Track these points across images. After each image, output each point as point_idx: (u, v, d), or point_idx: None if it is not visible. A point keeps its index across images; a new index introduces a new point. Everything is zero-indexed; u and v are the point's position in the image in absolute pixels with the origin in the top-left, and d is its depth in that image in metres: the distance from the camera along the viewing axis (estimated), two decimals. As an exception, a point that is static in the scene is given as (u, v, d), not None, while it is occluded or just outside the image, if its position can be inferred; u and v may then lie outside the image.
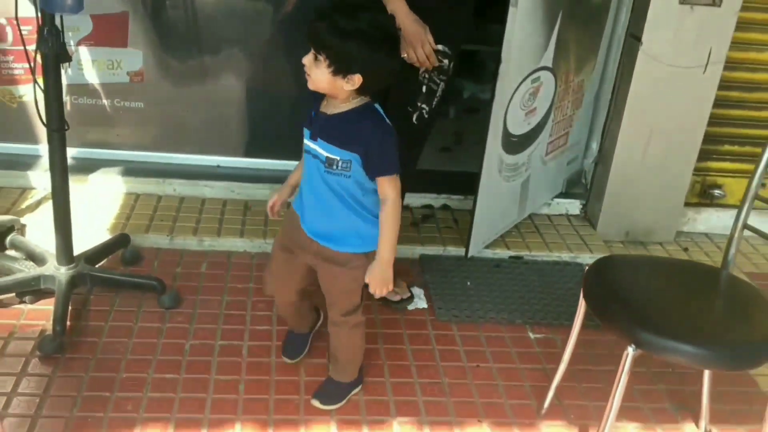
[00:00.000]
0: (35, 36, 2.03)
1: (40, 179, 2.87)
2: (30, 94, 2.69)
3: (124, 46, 2.88)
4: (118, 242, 2.57)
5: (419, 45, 2.03)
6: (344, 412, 2.03)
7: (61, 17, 2.02)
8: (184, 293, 2.45)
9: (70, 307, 2.22)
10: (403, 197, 1.81)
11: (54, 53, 2.02)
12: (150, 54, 2.92)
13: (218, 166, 3.13)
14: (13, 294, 2.29)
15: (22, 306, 2.30)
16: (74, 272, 2.27)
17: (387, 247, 1.77)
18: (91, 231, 2.61)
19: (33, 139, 2.94)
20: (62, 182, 2.19)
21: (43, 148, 2.86)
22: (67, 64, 2.48)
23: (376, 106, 1.76)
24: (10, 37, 2.81)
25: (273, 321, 2.37)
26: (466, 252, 2.79)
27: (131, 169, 3.01)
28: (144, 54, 2.91)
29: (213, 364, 2.16)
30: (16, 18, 2.09)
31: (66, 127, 2.13)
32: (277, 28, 2.99)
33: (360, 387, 2.10)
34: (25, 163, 2.93)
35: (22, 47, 2.15)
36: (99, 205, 2.85)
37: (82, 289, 2.34)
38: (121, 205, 2.90)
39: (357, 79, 1.65)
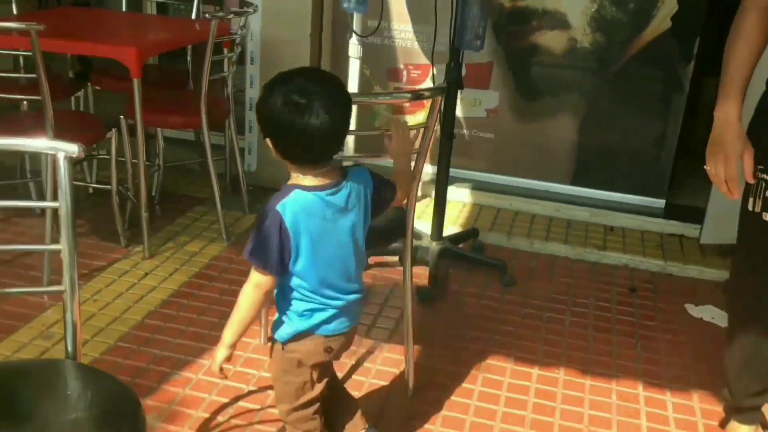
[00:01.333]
0: (422, 78, 2.85)
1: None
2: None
3: (486, 88, 3.68)
4: (471, 234, 3.30)
5: (722, 160, 1.73)
6: None
7: (462, 54, 2.82)
8: (518, 279, 3.08)
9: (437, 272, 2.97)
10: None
11: (455, 81, 2.81)
12: (505, 94, 3.68)
13: (546, 191, 3.76)
14: (397, 259, 3.11)
15: (400, 268, 3.11)
16: (442, 247, 3.03)
17: (226, 329, 1.61)
18: (447, 224, 3.38)
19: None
20: (444, 177, 2.97)
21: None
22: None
23: (297, 190, 1.52)
24: (404, 78, 3.75)
25: (590, 306, 2.90)
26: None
27: (478, 186, 3.76)
28: (500, 94, 3.68)
29: (541, 328, 2.74)
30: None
31: (453, 136, 2.92)
32: (603, 80, 3.58)
33: None
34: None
35: (411, 86, 2.98)
36: (455, 209, 3.62)
37: (446, 261, 3.08)
38: (470, 211, 3.65)
39: (270, 144, 1.53)
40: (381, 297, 2.88)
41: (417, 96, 2.25)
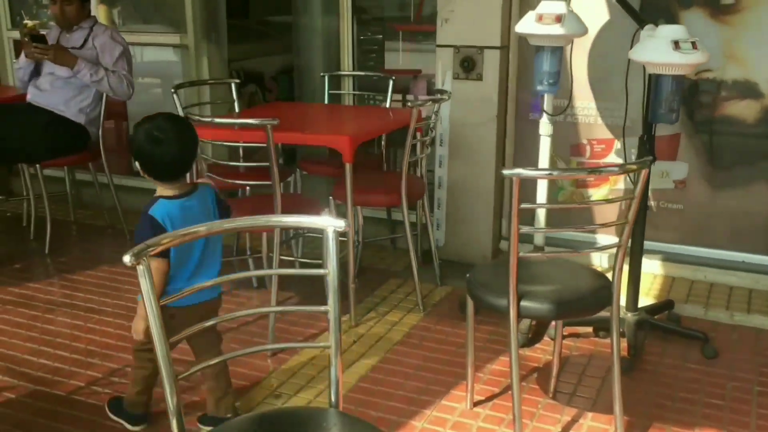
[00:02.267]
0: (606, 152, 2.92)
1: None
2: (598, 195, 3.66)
3: (673, 159, 3.69)
4: (666, 305, 3.28)
5: None
6: None
7: (654, 127, 2.89)
8: (720, 351, 3.01)
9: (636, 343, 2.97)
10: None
11: (649, 153, 2.88)
12: (694, 165, 3.67)
13: (743, 261, 3.65)
14: (591, 329, 3.14)
15: (596, 339, 3.13)
16: (639, 318, 3.03)
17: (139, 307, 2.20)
18: (639, 296, 3.37)
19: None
20: (639, 248, 3.00)
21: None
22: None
23: (161, 200, 2.15)
24: (587, 152, 3.84)
25: (805, 381, 2.77)
26: None
27: (670, 257, 3.72)
28: (689, 165, 3.67)
29: (752, 402, 2.66)
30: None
31: (647, 208, 2.96)
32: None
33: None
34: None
35: (595, 160, 3.06)
36: (646, 281, 3.60)
37: (643, 332, 3.07)
38: (662, 283, 3.62)
39: (139, 166, 2.16)
40: (578, 367, 2.92)
41: (624, 169, 2.35)
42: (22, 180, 4.43)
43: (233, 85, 3.93)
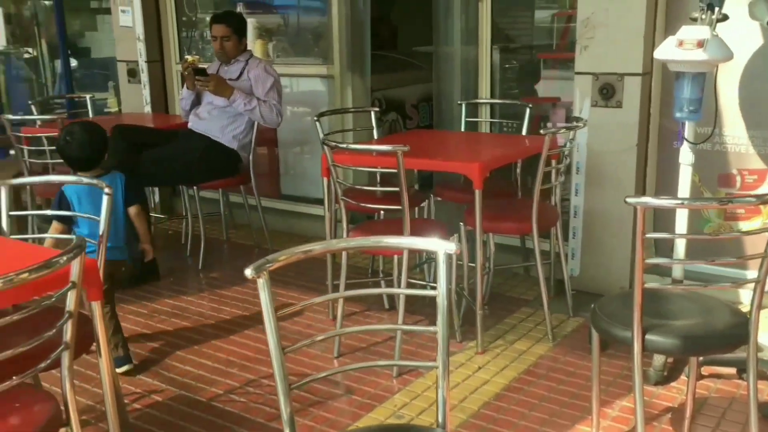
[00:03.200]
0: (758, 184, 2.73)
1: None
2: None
3: (836, 192, 3.40)
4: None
5: None
6: None
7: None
8: None
9: (782, 387, 2.76)
10: None
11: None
12: None
13: None
14: (734, 370, 2.95)
15: (740, 381, 2.94)
16: (788, 361, 2.81)
17: None
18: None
19: None
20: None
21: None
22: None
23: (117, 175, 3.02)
24: (737, 183, 3.63)
25: None
26: None
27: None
28: None
29: None
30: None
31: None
32: None
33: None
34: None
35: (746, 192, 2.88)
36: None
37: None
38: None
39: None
40: (717, 410, 2.75)
41: (763, 200, 2.23)
42: (182, 201, 4.82)
43: (373, 113, 4.08)
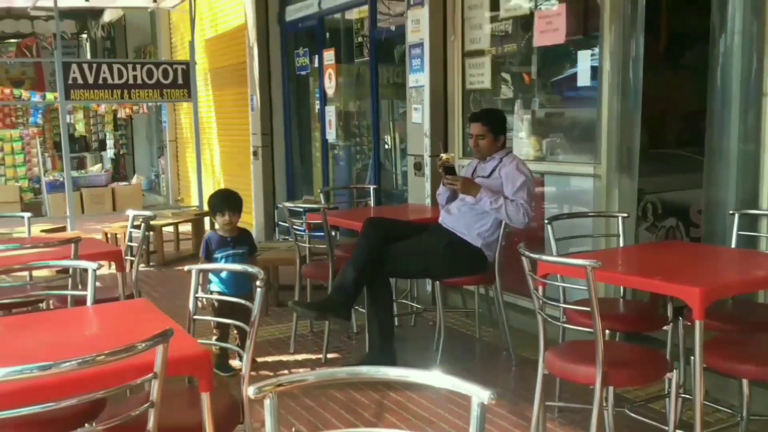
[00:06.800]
0: None
1: None
2: None
3: None
4: None
5: None
6: None
7: None
8: None
9: None
10: None
11: None
12: None
13: None
14: None
15: None
16: None
17: None
18: None
19: None
20: None
21: None
22: None
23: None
24: None
25: None
26: None
27: None
28: None
29: None
30: None
31: None
32: None
33: None
34: None
35: None
36: None
37: None
38: None
39: None
40: None
41: None
42: (433, 292, 4.86)
43: (620, 219, 3.71)
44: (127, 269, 4.21)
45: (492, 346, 4.73)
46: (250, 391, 1.41)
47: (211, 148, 10.70)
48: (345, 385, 3.96)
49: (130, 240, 4.55)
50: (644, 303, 3.60)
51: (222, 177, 10.41)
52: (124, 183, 12.28)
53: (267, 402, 1.43)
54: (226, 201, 4.33)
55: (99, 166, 13.10)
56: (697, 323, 2.59)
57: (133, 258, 4.34)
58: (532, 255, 2.82)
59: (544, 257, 2.91)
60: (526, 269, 2.89)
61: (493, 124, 4.36)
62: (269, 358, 4.60)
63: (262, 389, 1.41)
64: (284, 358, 4.63)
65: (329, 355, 4.57)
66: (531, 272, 2.89)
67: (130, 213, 4.62)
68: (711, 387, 2.74)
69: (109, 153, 14.15)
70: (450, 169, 4.30)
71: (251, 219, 8.93)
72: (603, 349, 2.62)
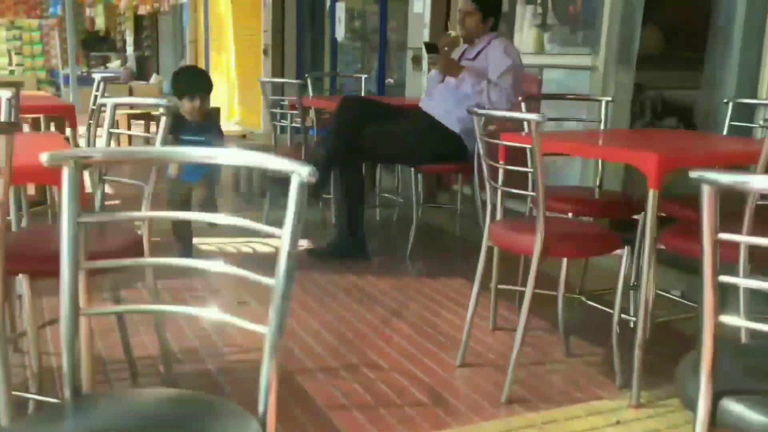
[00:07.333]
0: None
1: None
2: None
3: None
4: None
5: None
6: None
7: None
8: None
9: None
10: None
11: None
12: None
13: None
14: None
15: None
16: None
17: None
18: None
19: None
20: None
21: None
22: None
23: None
24: None
25: None
26: None
27: None
28: None
29: None
30: None
31: None
32: None
33: None
34: None
35: None
36: None
37: None
38: None
39: None
40: None
41: None
42: (412, 185, 4.63)
43: (603, 103, 3.42)
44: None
45: (470, 242, 4.52)
46: (43, 158, 1.24)
47: (227, 49, 10.46)
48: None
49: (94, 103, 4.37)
50: (617, 193, 3.38)
51: (236, 77, 10.20)
52: (143, 82, 12.16)
53: (65, 172, 1.26)
54: (198, 83, 3.72)
55: (118, 62, 12.99)
56: (651, 192, 2.34)
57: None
58: (481, 111, 2.59)
59: (492, 112, 2.68)
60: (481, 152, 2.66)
61: (482, 2, 4.04)
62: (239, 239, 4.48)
63: (56, 157, 1.24)
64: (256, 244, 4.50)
65: (301, 241, 4.42)
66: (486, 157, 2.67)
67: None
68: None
69: (128, 51, 14.00)
70: (431, 47, 4.02)
71: (259, 119, 8.76)
72: (544, 219, 2.39)
